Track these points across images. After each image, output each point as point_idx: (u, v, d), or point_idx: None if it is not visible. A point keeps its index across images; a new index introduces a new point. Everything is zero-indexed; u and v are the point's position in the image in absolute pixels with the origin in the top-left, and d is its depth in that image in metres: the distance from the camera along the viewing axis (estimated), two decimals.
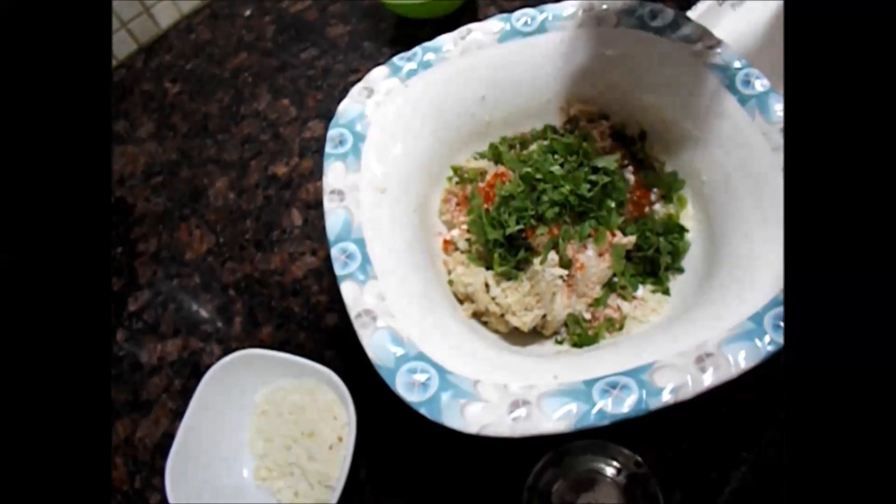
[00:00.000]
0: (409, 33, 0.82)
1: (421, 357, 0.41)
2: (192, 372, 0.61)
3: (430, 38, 0.57)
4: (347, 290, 0.44)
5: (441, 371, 0.40)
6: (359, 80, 0.55)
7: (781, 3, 0.72)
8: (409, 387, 0.39)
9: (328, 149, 0.51)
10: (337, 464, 0.50)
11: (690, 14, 0.69)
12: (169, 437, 0.55)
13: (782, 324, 0.38)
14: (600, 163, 0.52)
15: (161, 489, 0.49)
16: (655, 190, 0.55)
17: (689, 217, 0.54)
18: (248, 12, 0.93)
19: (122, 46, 0.89)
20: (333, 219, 0.47)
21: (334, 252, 0.45)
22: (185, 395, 0.57)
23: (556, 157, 0.53)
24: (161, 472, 0.49)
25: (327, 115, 0.75)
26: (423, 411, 0.39)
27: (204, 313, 0.64)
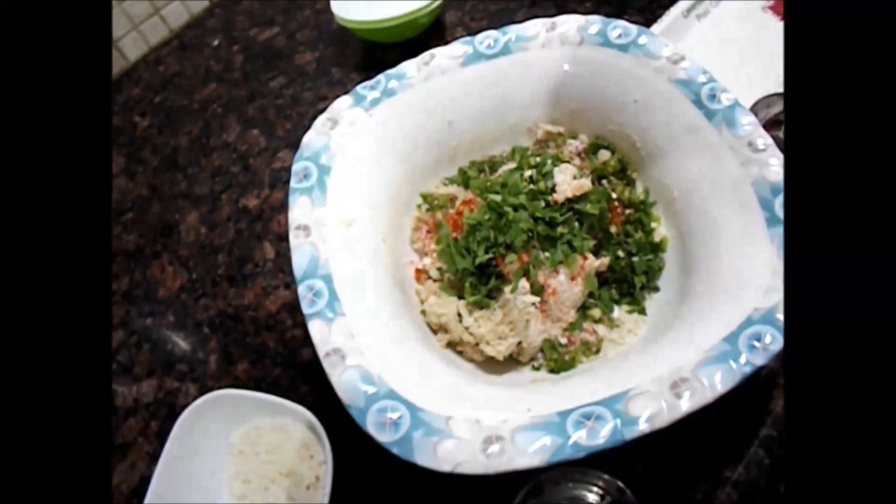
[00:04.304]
0: (376, 58, 0.82)
1: (392, 395, 0.40)
2: (168, 413, 0.59)
3: (397, 61, 0.56)
4: (315, 328, 0.43)
5: (412, 408, 0.39)
6: (327, 107, 0.54)
7: (746, 13, 0.73)
8: (380, 426, 0.38)
9: (293, 183, 0.50)
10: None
11: (656, 27, 0.69)
12: (146, 482, 0.53)
13: (757, 343, 0.38)
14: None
15: None
16: (627, 209, 0.54)
17: (661, 235, 0.53)
18: (216, 42, 0.92)
19: None
20: (300, 255, 0.46)
21: (301, 290, 0.44)
22: (162, 437, 0.56)
23: (524, 175, 0.52)
24: None
25: (297, 145, 0.73)
26: (395, 451, 0.38)
27: (179, 352, 0.63)
